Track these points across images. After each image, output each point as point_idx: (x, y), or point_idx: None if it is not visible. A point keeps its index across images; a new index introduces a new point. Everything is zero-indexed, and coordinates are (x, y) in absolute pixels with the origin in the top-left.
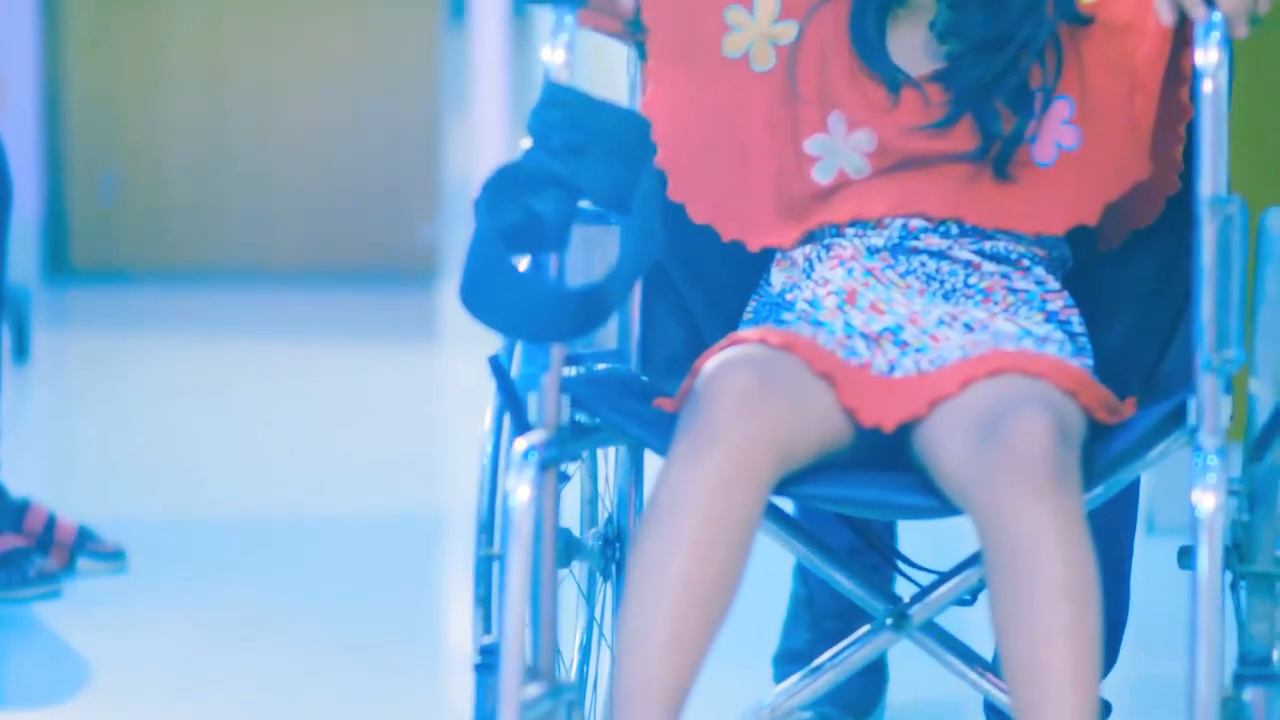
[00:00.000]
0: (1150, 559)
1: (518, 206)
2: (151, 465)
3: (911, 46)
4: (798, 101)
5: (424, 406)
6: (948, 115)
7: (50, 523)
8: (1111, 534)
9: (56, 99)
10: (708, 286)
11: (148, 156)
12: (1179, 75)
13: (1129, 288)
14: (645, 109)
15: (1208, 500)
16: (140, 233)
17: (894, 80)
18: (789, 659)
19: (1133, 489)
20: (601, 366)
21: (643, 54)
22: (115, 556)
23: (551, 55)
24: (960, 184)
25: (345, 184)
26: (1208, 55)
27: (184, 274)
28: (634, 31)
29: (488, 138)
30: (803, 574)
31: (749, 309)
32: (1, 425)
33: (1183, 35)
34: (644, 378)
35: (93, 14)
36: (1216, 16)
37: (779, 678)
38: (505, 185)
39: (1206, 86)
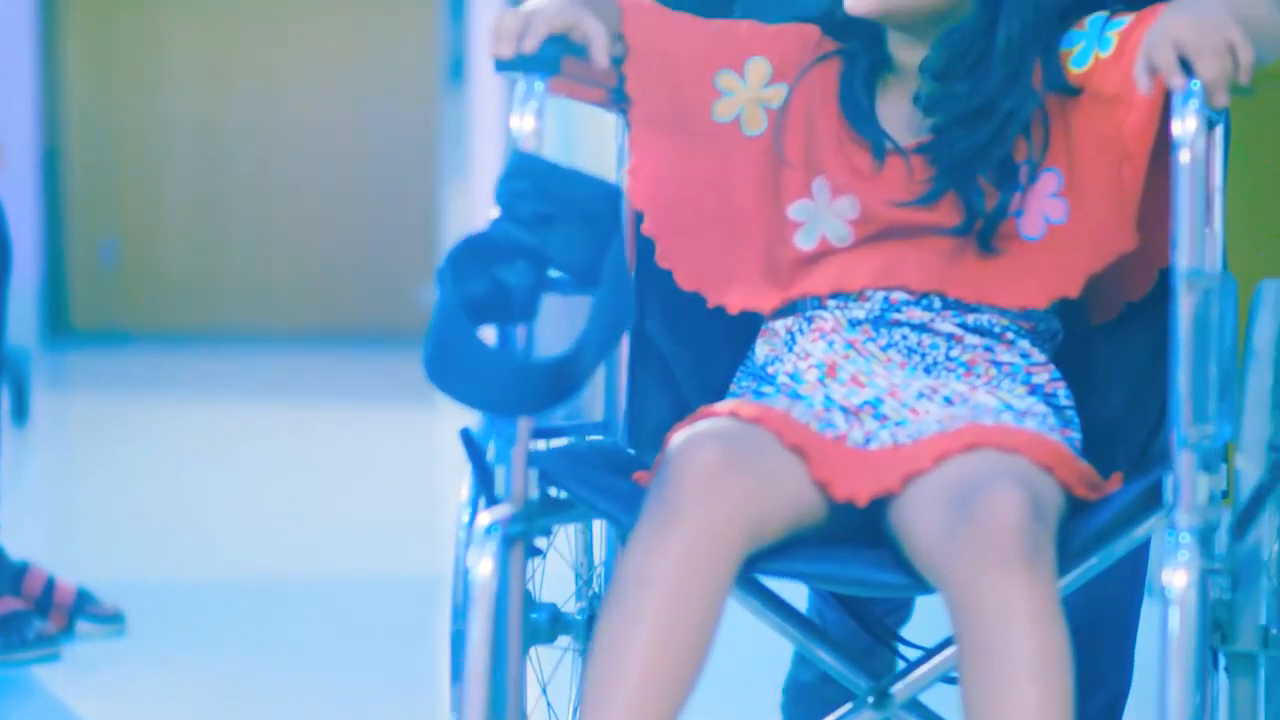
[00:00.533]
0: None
1: (485, 277)
2: (151, 528)
3: (900, 114)
4: (783, 165)
5: (422, 469)
6: (931, 191)
7: (49, 585)
8: (1117, 599)
9: (56, 161)
10: (695, 357)
11: (147, 219)
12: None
13: (1123, 361)
14: (630, 177)
15: (1178, 579)
16: (139, 295)
17: (880, 146)
18: (798, 692)
19: (1140, 554)
20: (594, 438)
21: (628, 122)
22: (114, 619)
23: (520, 123)
24: (944, 257)
25: (343, 247)
26: (1185, 124)
27: (183, 336)
28: (617, 101)
29: (486, 201)
30: (817, 606)
31: (735, 380)
32: (1, 487)
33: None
34: (630, 450)
35: (92, 78)
36: (1195, 85)
37: (786, 708)
38: (472, 256)
39: (1183, 157)
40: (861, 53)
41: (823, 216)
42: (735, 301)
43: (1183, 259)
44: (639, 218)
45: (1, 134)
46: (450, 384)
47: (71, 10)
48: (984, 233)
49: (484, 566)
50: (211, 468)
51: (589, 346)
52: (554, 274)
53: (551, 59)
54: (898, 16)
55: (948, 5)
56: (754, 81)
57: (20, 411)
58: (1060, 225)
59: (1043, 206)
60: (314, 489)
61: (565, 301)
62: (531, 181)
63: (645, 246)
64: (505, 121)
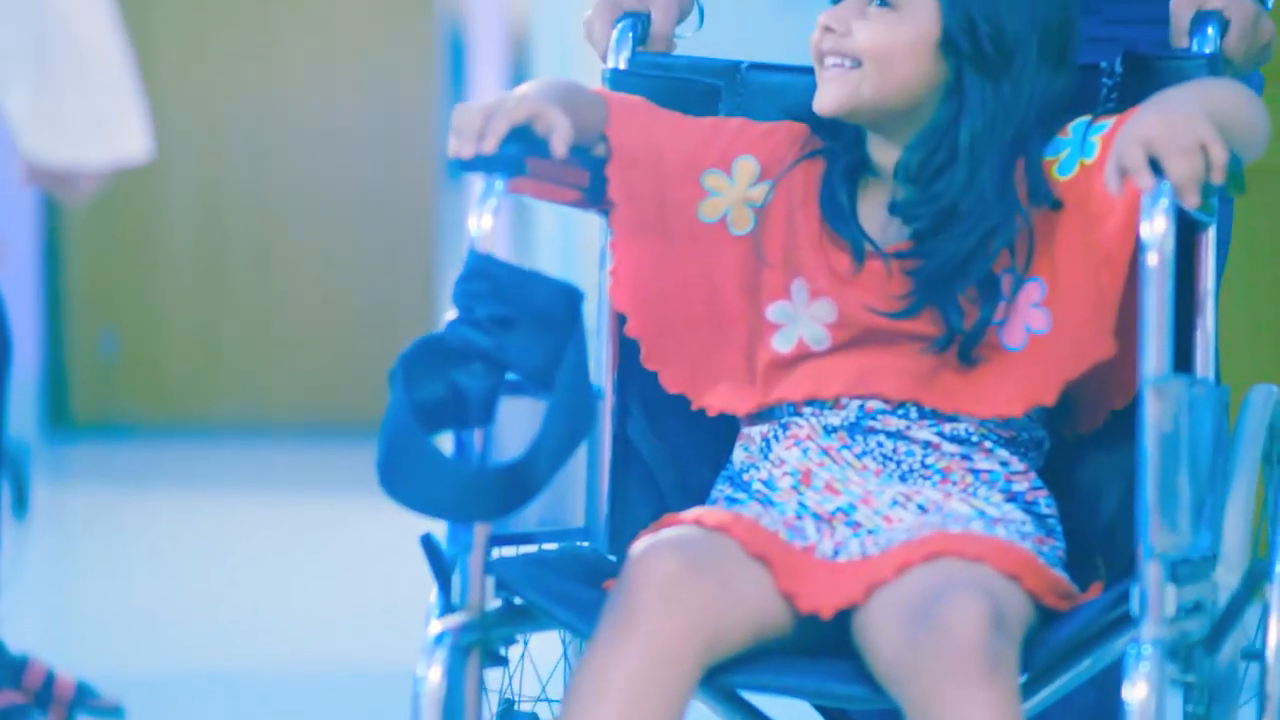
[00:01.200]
0: None
1: (441, 380)
2: (151, 621)
3: (881, 216)
4: (763, 265)
5: (423, 564)
6: (909, 307)
7: (49, 679)
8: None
9: (56, 255)
10: (677, 461)
11: (146, 312)
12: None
13: (1113, 470)
14: (612, 278)
15: (1138, 693)
16: (140, 386)
17: (859, 249)
18: None
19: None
20: (582, 544)
21: (610, 225)
22: (114, 714)
23: (478, 223)
24: (921, 365)
25: (343, 340)
26: (1153, 226)
27: (184, 428)
28: (595, 202)
29: None
30: None
31: (715, 486)
32: (1, 580)
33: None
34: (611, 557)
35: None
36: (1165, 185)
37: None
38: (426, 358)
39: (1150, 259)
40: (842, 153)
41: (800, 319)
42: (714, 404)
43: (1150, 364)
44: (621, 319)
45: (2, 228)
46: (401, 491)
47: None
48: (963, 348)
49: (432, 675)
50: (212, 561)
51: (544, 451)
52: (511, 377)
53: (512, 160)
54: (864, 116)
55: (912, 104)
56: (741, 180)
57: (20, 504)
58: (1042, 335)
59: (1025, 316)
60: (315, 582)
61: (531, 404)
62: (488, 283)
63: (626, 349)
64: (504, 219)
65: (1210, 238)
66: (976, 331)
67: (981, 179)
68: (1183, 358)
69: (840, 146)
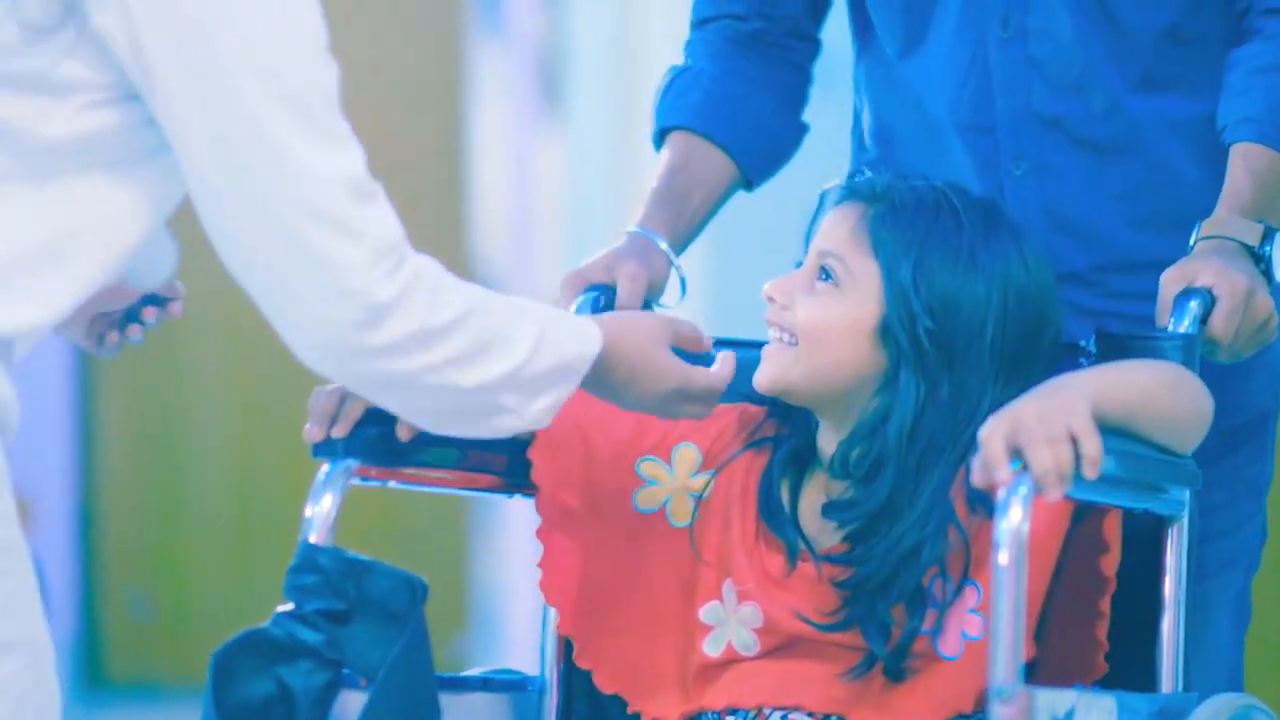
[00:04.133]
0: None
1: (267, 677)
2: None
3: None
4: (699, 563)
5: None
6: (837, 623)
7: None
8: None
9: (90, 516)
10: None
11: (180, 571)
12: (1099, 544)
13: None
14: (541, 570)
15: None
16: (174, 646)
17: (793, 549)
18: None
19: None
20: None
21: (536, 510)
22: None
23: (314, 510)
24: (849, 676)
25: None
26: (1008, 520)
27: None
28: (514, 486)
29: (516, 548)
30: None
31: None
32: None
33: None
34: None
35: (127, 438)
36: (1025, 478)
37: None
38: (249, 654)
39: (1001, 558)
40: (789, 439)
41: (730, 622)
42: (648, 710)
43: (996, 673)
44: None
45: (35, 490)
46: None
47: (108, 375)
48: (889, 666)
49: None
50: None
51: None
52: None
53: (363, 444)
54: (799, 397)
55: (848, 390)
56: (682, 469)
57: None
58: (978, 641)
59: (962, 622)
60: None
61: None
62: (320, 577)
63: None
64: None
65: (1180, 531)
66: (903, 646)
67: (913, 485)
68: (1148, 669)
69: (790, 431)
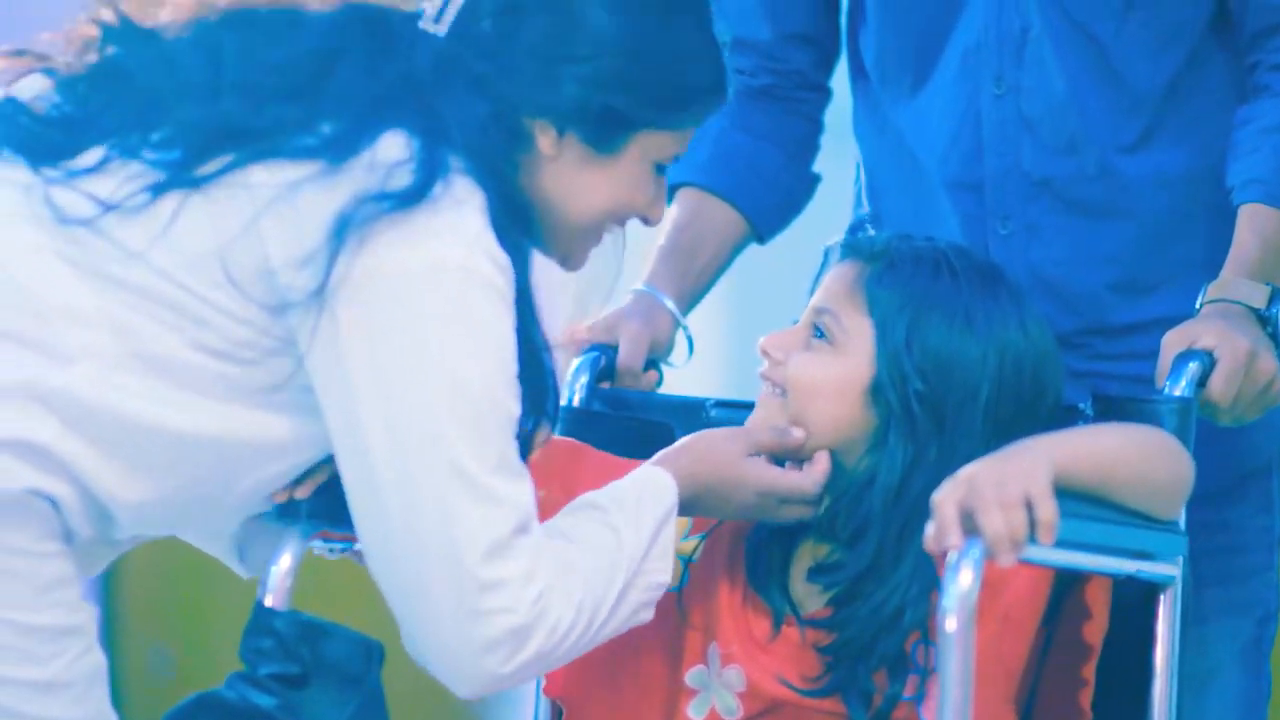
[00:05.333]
0: None
1: None
2: None
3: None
4: (686, 626)
5: None
6: (819, 689)
7: None
8: None
9: (110, 569)
10: None
11: (202, 626)
12: (1083, 610)
13: None
14: None
15: None
16: None
17: (779, 615)
18: None
19: None
20: None
21: None
22: None
23: (275, 567)
24: None
25: (391, 670)
26: (957, 585)
27: None
28: None
29: None
30: None
31: None
32: None
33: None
34: None
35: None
36: (976, 543)
37: None
38: (202, 718)
39: (948, 624)
40: None
41: (713, 686)
42: None
43: None
44: None
45: None
46: None
47: None
48: None
49: None
50: None
51: None
52: None
53: (325, 508)
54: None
55: (835, 445)
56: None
57: None
58: None
59: None
60: None
61: None
62: (274, 640)
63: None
64: None
65: (1173, 597)
66: (884, 713)
67: (897, 548)
68: None
69: None
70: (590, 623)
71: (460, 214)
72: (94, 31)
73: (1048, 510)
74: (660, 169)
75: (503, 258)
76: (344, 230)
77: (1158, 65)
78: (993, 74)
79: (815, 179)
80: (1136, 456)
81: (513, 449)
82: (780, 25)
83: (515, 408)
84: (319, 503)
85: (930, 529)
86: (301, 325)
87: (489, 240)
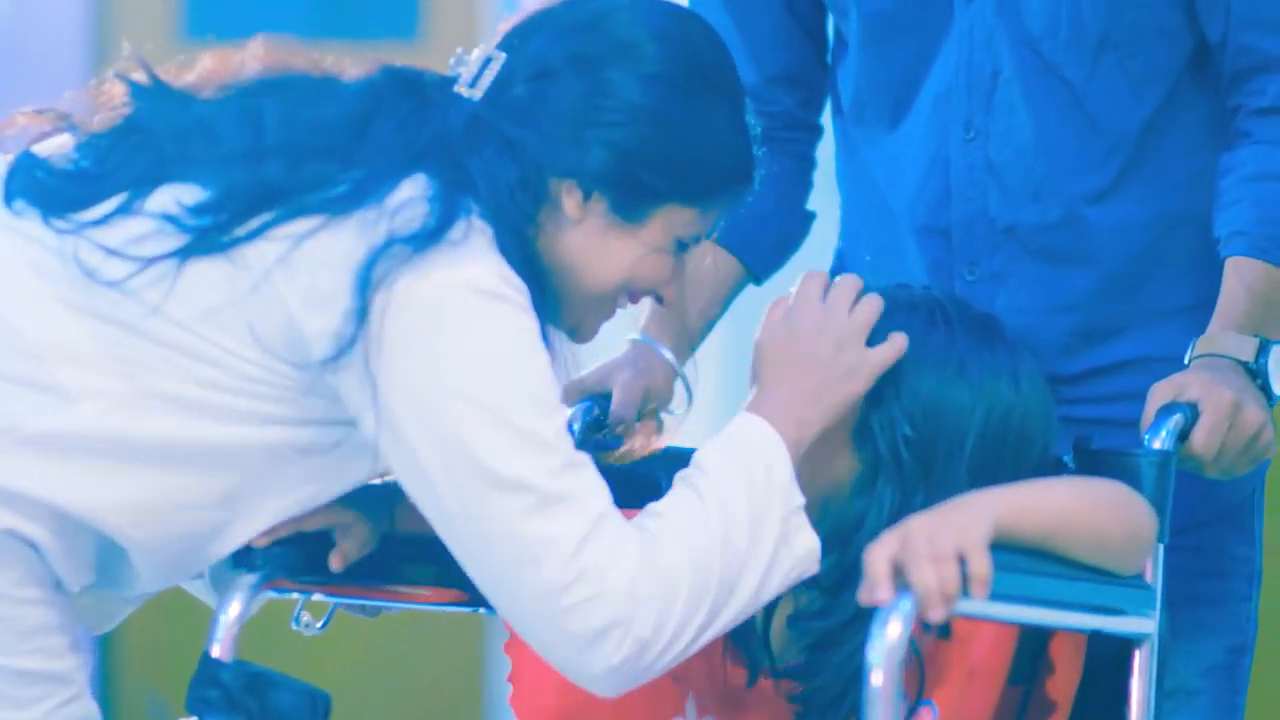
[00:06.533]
0: None
1: None
2: None
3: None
4: (665, 677)
5: None
6: None
7: None
8: None
9: None
10: None
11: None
12: (1047, 666)
13: None
14: (512, 685)
15: None
16: None
17: (755, 668)
18: None
19: None
20: None
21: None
22: None
23: (224, 615)
24: None
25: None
26: (884, 640)
27: None
28: (480, 599)
29: None
30: None
31: None
32: None
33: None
34: None
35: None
36: (905, 596)
37: None
38: None
39: (874, 679)
40: None
41: None
42: None
43: None
44: None
45: None
46: None
47: None
48: None
49: None
50: None
51: None
52: None
53: (279, 560)
54: None
55: (821, 488)
56: None
57: None
58: None
59: None
60: None
61: None
62: (221, 691)
63: None
64: None
65: (1148, 652)
66: None
67: None
68: None
69: None
70: (716, 591)
71: (477, 245)
72: (120, 90)
73: (980, 564)
74: (682, 246)
75: (520, 282)
76: (368, 278)
77: (1133, 107)
78: (962, 119)
79: (810, 216)
80: (1088, 510)
81: (569, 445)
82: (765, 68)
83: (560, 405)
84: (276, 553)
85: (863, 583)
86: (341, 381)
87: (507, 269)
